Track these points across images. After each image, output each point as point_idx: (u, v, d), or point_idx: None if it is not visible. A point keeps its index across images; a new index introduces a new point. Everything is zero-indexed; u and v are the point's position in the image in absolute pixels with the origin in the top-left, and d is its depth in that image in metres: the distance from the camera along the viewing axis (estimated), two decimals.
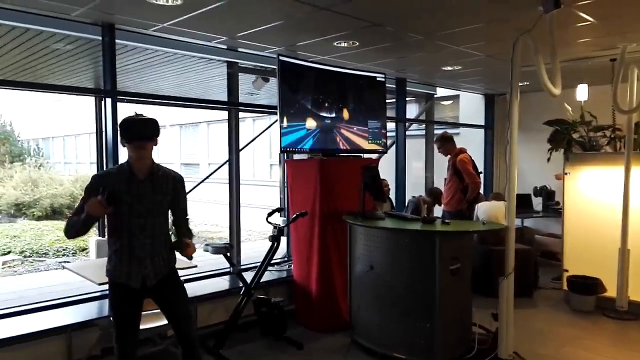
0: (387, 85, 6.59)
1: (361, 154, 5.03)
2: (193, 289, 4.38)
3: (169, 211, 2.83)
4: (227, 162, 5.22)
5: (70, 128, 18.21)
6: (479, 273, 4.67)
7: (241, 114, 5.46)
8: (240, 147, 5.28)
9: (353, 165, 4.57)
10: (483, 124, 8.31)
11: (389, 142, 7.19)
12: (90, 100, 4.41)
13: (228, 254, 4.01)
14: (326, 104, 4.71)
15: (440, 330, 3.62)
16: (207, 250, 3.95)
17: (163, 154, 17.48)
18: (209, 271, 4.79)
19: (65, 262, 7.74)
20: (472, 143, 7.65)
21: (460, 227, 4.14)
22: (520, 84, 6.99)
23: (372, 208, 4.43)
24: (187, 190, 2.92)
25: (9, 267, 8.01)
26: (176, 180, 2.82)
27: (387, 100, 7.23)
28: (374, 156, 5.14)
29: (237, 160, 5.23)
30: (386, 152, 5.29)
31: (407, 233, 3.82)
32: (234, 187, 5.20)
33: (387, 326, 3.84)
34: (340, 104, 4.84)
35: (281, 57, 4.39)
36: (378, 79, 5.25)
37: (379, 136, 5.18)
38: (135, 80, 6.59)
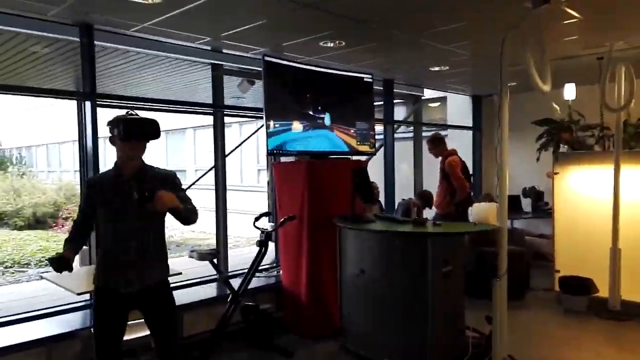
0: (375, 87, 6.59)
1: (350, 156, 4.93)
2: (178, 297, 4.20)
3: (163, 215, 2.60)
4: (213, 168, 5.11)
5: (53, 136, 17.93)
6: (472, 275, 4.59)
7: (227, 119, 5.35)
8: (227, 152, 5.17)
9: (342, 168, 4.49)
10: (471, 125, 8.27)
11: (377, 144, 7.16)
12: (73, 107, 4.28)
13: (214, 261, 3.88)
14: (313, 106, 4.62)
15: (433, 334, 3.53)
16: (192, 257, 3.82)
17: (149, 161, 17.26)
18: (194, 279, 4.65)
19: (45, 272, 7.55)
20: (460, 145, 7.61)
21: (452, 228, 4.07)
22: (512, 84, 7.00)
23: (362, 211, 4.35)
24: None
25: None
26: (167, 180, 2.61)
27: (375, 103, 7.25)
28: (363, 158, 5.05)
29: (224, 165, 5.11)
30: (375, 154, 5.21)
31: (398, 235, 3.74)
32: (220, 192, 5.08)
33: (378, 331, 3.75)
34: (328, 105, 4.75)
35: (266, 58, 4.29)
36: (365, 79, 5.18)
37: (368, 137, 5.10)
38: (120, 84, 6.45)
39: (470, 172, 6.56)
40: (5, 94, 5.29)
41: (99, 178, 2.68)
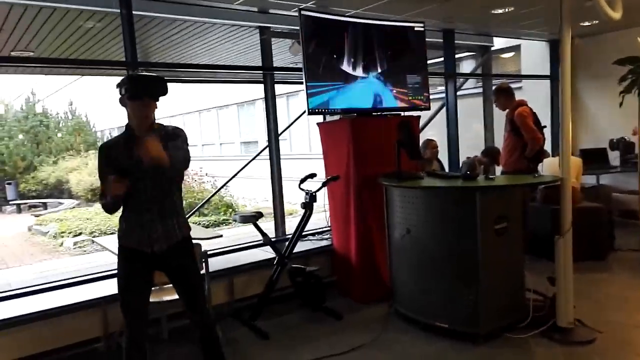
0: (435, 39, 6.14)
1: (400, 112, 4.64)
2: (228, 261, 4.31)
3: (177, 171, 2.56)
4: (267, 133, 5.09)
5: None
6: (543, 235, 4.19)
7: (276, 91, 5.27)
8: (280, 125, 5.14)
9: (390, 124, 4.22)
10: (549, 74, 7.51)
11: (439, 102, 6.74)
12: None
13: (258, 223, 3.85)
14: (358, 60, 4.36)
15: (484, 296, 3.25)
16: (235, 220, 3.81)
17: (224, 134, 17.81)
18: (241, 244, 4.66)
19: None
20: (536, 98, 6.97)
21: (506, 181, 3.70)
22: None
23: (412, 168, 4.09)
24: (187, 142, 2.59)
25: (79, 247, 8.49)
26: (173, 134, 2.54)
27: (437, 58, 6.79)
28: (415, 114, 4.73)
29: (276, 129, 5.07)
30: (428, 109, 4.86)
31: (444, 191, 3.46)
32: (274, 158, 5.06)
33: (427, 293, 3.53)
34: (375, 58, 4.46)
35: (304, 12, 4.08)
36: (416, 28, 4.79)
37: (420, 91, 4.75)
38: (173, 57, 6.59)
39: (544, 124, 5.97)
40: (59, 66, 5.54)
41: (113, 141, 2.63)
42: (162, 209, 2.54)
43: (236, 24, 5.12)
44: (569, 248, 3.28)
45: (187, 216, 2.76)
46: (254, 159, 5.93)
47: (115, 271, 3.82)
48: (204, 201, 9.83)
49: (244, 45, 6.10)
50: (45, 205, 15.61)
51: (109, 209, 2.58)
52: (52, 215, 11.75)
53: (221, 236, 3.46)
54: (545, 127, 5.59)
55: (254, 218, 3.81)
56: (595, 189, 6.46)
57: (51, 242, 9.65)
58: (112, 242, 3.81)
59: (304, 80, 4.05)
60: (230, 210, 11.18)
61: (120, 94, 2.45)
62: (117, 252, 2.63)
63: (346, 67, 4.30)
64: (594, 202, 5.35)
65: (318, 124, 4.64)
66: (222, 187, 8.50)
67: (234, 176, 6.50)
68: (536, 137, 5.12)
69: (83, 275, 3.93)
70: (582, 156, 5.85)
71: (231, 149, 17.18)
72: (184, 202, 2.78)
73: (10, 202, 16.76)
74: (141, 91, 2.41)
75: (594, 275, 4.49)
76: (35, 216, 12.36)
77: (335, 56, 4.24)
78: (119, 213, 2.63)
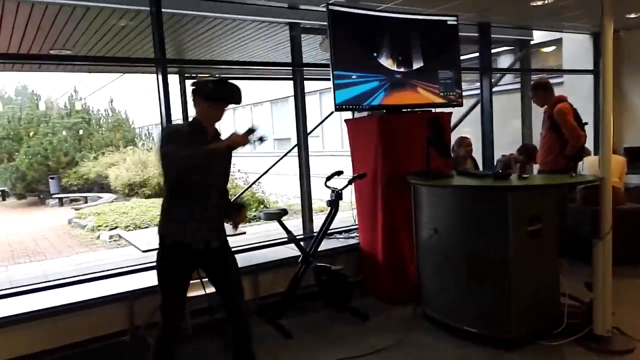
0: (470, 34, 5.95)
1: (431, 109, 4.50)
2: (253, 257, 4.30)
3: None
4: (296, 130, 5.06)
5: (176, 113, 19.32)
6: (583, 237, 3.98)
7: (307, 88, 5.23)
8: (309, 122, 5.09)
9: (420, 121, 4.10)
10: (591, 68, 7.17)
11: (475, 98, 6.53)
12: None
13: (282, 221, 3.81)
14: (387, 55, 4.25)
15: (516, 301, 3.12)
16: (260, 218, 3.79)
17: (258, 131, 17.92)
18: (264, 241, 4.64)
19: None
20: (578, 94, 6.67)
21: (540, 181, 3.53)
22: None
23: (448, 167, 3.97)
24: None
25: (114, 240, 8.70)
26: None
27: (472, 53, 6.59)
28: (447, 110, 4.59)
29: (305, 123, 5.02)
30: (461, 105, 4.69)
31: (474, 190, 3.33)
32: (303, 154, 5.02)
33: (455, 296, 3.42)
34: (404, 54, 4.35)
35: (331, 7, 4.01)
36: (449, 22, 4.64)
37: (452, 88, 4.60)
38: (205, 54, 6.66)
39: (586, 121, 5.70)
40: (94, 64, 5.66)
41: (182, 127, 2.67)
42: (218, 208, 2.63)
43: (266, 21, 5.10)
44: (608, 252, 3.10)
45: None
46: (284, 155, 5.91)
47: (142, 265, 3.95)
48: (235, 197, 9.95)
49: (274, 42, 6.08)
50: (85, 199, 16.12)
51: (192, 161, 2.41)
52: (91, 209, 12.10)
53: (244, 233, 3.44)
54: (586, 124, 5.31)
55: (278, 215, 3.77)
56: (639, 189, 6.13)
57: (88, 235, 9.93)
58: (138, 237, 3.89)
59: (331, 75, 3.97)
60: (262, 206, 11.25)
61: (197, 93, 2.50)
62: (160, 244, 2.60)
63: (374, 62, 4.19)
64: (639, 203, 5.08)
65: (346, 120, 4.56)
66: (253, 183, 8.56)
67: (265, 173, 6.51)
68: (578, 134, 4.86)
69: (112, 269, 3.99)
70: (627, 155, 5.56)
71: (264, 146, 17.27)
72: None
73: (53, 196, 17.40)
74: (226, 96, 2.51)
75: (635, 280, 4.26)
76: (75, 209, 12.75)
77: (363, 52, 4.14)
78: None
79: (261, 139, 2.41)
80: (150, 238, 3.42)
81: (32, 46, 5.53)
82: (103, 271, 4.00)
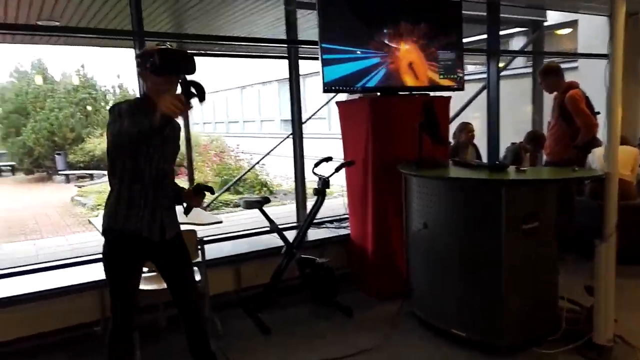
0: (477, 12, 5.59)
1: (429, 92, 4.19)
2: (234, 248, 4.10)
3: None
4: (290, 107, 4.78)
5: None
6: (590, 235, 3.70)
7: (313, 68, 4.93)
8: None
9: (417, 106, 3.80)
10: (607, 53, 6.75)
11: (482, 82, 6.18)
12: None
13: (264, 209, 3.58)
14: (382, 31, 3.93)
15: (508, 304, 2.87)
16: (239, 205, 3.56)
17: (264, 111, 17.65)
18: (247, 230, 4.42)
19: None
20: (593, 80, 6.26)
21: (539, 174, 3.25)
22: None
23: (444, 156, 3.69)
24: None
25: None
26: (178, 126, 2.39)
27: (479, 35, 6.22)
28: (446, 94, 4.28)
29: (299, 103, 4.75)
30: (462, 89, 4.37)
31: (465, 183, 3.05)
32: (297, 140, 4.76)
33: (442, 297, 3.17)
34: (401, 31, 4.02)
35: None
36: None
37: (453, 70, 4.28)
38: (199, 29, 6.37)
39: (598, 110, 5.35)
40: (71, 35, 5.36)
41: (132, 103, 2.25)
42: (167, 194, 2.33)
43: None
44: (611, 255, 2.82)
45: (221, 192, 2.56)
46: (288, 137, 5.64)
47: None
48: (236, 179, 9.74)
49: (271, 18, 5.77)
50: (92, 177, 16.07)
51: (147, 133, 1.98)
52: (93, 187, 12.01)
53: (220, 222, 3.21)
54: (599, 113, 4.98)
55: (259, 204, 3.54)
56: None
57: (88, 214, 9.84)
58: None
59: (319, 51, 3.66)
60: (265, 188, 11.04)
61: (142, 66, 2.19)
62: (104, 235, 2.30)
63: (368, 38, 3.87)
64: None
65: (337, 102, 4.28)
66: (255, 164, 8.33)
67: (267, 154, 6.28)
68: (591, 123, 4.54)
69: (85, 255, 3.81)
70: None
71: (271, 127, 17.02)
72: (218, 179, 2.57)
73: (60, 172, 17.39)
74: (177, 67, 2.12)
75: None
76: (78, 187, 12.68)
77: (355, 26, 3.81)
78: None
79: (198, 94, 1.90)
80: None
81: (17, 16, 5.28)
82: (76, 257, 3.83)
